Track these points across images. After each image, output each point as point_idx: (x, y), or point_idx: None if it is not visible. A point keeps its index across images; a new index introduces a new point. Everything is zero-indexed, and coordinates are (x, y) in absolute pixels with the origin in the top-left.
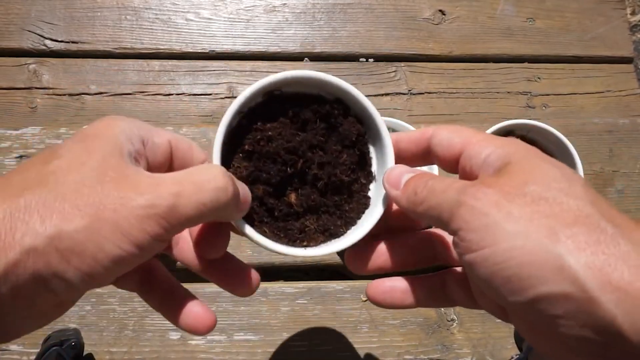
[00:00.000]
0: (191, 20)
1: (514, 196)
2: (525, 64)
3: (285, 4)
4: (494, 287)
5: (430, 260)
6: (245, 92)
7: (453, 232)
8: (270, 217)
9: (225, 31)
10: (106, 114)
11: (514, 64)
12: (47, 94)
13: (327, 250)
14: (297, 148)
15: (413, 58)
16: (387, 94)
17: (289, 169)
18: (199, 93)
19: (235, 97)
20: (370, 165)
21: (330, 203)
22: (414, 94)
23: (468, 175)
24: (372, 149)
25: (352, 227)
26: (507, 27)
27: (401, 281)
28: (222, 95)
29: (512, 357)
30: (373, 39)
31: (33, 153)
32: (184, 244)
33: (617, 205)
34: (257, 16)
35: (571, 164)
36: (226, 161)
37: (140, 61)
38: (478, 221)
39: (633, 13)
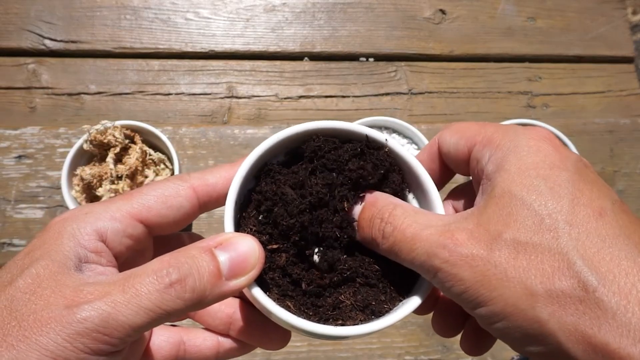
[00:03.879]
0: (190, 19)
1: (489, 251)
2: (526, 64)
3: (285, 3)
4: (502, 340)
5: None
6: (262, 146)
7: (436, 286)
8: (297, 290)
9: (225, 30)
10: (105, 114)
11: (515, 64)
12: (46, 94)
13: (366, 329)
14: (324, 196)
15: (413, 57)
16: (387, 94)
17: (317, 228)
18: (199, 93)
19: (235, 97)
20: None
21: (370, 272)
22: (414, 94)
23: (478, 178)
24: (412, 199)
25: (400, 302)
26: (507, 26)
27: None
28: (222, 95)
29: (513, 358)
30: (373, 39)
31: (32, 153)
32: (204, 309)
33: None
34: (256, 15)
35: None
36: (242, 225)
37: (139, 61)
38: (457, 288)
39: (634, 13)
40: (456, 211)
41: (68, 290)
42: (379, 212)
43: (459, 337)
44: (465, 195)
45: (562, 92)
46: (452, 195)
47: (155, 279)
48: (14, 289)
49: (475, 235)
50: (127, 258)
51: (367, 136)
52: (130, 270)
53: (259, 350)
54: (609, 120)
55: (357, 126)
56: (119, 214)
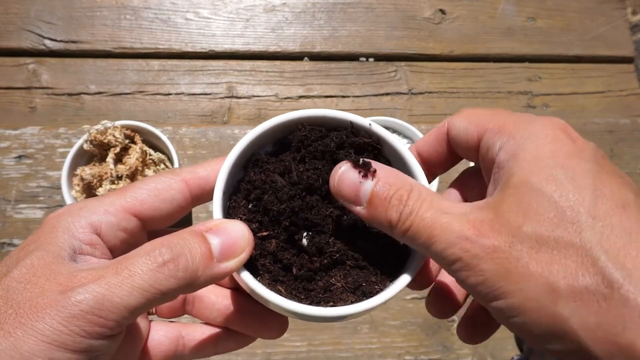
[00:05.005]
0: (190, 19)
1: (511, 244)
2: (526, 64)
3: (285, 3)
4: (519, 334)
5: None
6: (248, 136)
7: (451, 275)
8: (288, 275)
9: (225, 30)
10: (105, 114)
11: (515, 64)
12: (46, 94)
13: (358, 308)
14: (313, 182)
15: (413, 57)
16: (387, 94)
17: (306, 212)
18: (199, 93)
19: (235, 97)
20: None
21: (360, 254)
22: (414, 94)
23: (488, 166)
24: None
25: (390, 283)
26: (507, 26)
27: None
28: (222, 95)
29: (513, 358)
30: (373, 39)
31: (32, 153)
32: (202, 303)
33: None
34: (256, 15)
35: None
36: (232, 215)
37: (139, 61)
38: (475, 279)
39: (634, 13)
40: (462, 196)
41: (62, 277)
42: (397, 193)
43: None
44: (472, 182)
45: (562, 92)
46: (458, 183)
47: (149, 259)
48: (9, 279)
49: (496, 226)
50: (122, 252)
51: (351, 122)
52: (123, 255)
53: (258, 350)
54: (609, 120)
55: (342, 113)
56: (113, 207)
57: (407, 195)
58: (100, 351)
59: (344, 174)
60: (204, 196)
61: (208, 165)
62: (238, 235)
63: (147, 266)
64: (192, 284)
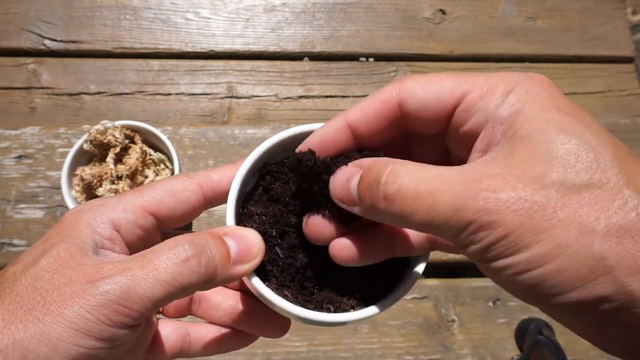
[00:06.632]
0: (190, 19)
1: (533, 192)
2: (526, 64)
3: (285, 3)
4: (526, 291)
5: (391, 254)
6: (261, 147)
7: (458, 244)
8: (294, 280)
9: (225, 30)
10: (105, 114)
11: (515, 64)
12: (46, 94)
13: (361, 314)
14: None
15: (413, 57)
16: None
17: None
18: (198, 93)
19: (235, 97)
20: None
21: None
22: None
23: (469, 131)
24: None
25: (396, 287)
26: (507, 26)
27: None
28: (222, 95)
29: (513, 358)
30: (373, 39)
31: (32, 153)
32: (208, 302)
33: None
34: (256, 15)
35: None
36: (243, 222)
37: (139, 61)
38: (493, 237)
39: (634, 13)
40: None
41: (88, 268)
42: (376, 175)
43: (460, 338)
44: (420, 149)
45: (562, 92)
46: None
47: (173, 254)
48: (37, 269)
49: (510, 179)
50: (138, 249)
51: None
52: (147, 249)
53: (259, 350)
54: (609, 120)
55: None
56: (131, 206)
57: (387, 172)
58: (121, 340)
59: (335, 179)
60: (216, 200)
61: (221, 170)
62: (253, 241)
63: (171, 260)
64: (211, 281)
